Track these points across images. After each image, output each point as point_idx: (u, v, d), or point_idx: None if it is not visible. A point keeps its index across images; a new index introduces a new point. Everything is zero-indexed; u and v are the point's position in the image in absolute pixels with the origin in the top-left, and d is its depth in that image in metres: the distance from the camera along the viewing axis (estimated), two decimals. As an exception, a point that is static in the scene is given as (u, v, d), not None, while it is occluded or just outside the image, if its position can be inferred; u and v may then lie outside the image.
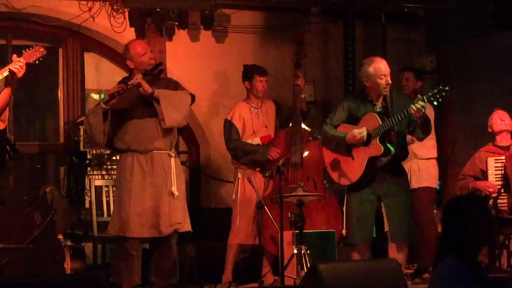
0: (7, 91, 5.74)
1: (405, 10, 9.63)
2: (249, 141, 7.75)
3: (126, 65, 9.10)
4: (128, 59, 6.76)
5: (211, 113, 9.26)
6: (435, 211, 8.80)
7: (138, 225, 6.55)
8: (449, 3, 9.64)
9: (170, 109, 6.52)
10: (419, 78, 8.25)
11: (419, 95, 6.86)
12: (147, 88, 6.49)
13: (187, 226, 6.72)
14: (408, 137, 7.50)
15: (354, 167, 6.86)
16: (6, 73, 5.64)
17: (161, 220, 6.55)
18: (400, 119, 6.68)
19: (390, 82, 6.87)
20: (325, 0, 9.43)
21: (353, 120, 6.93)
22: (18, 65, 5.65)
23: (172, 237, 6.64)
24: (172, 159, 6.68)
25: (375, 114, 6.83)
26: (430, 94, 6.58)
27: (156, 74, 6.83)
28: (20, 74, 5.66)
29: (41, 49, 5.88)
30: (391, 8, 9.55)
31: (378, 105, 6.90)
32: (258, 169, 7.71)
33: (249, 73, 7.89)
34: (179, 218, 6.62)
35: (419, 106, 6.52)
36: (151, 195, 6.59)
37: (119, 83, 6.72)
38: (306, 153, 7.68)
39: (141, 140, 6.62)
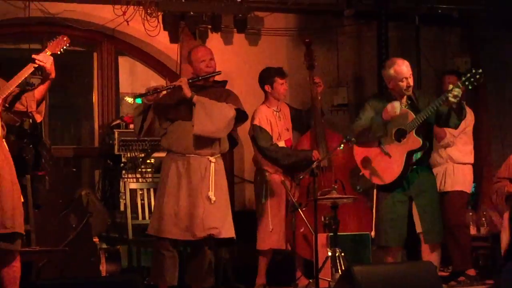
0: (43, 86, 5.78)
1: (439, 11, 9.58)
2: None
3: (160, 68, 9.24)
4: (188, 63, 6.84)
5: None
6: (470, 214, 8.77)
7: (172, 226, 6.56)
8: (483, 4, 9.58)
9: (203, 118, 6.51)
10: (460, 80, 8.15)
11: (451, 85, 6.79)
12: (186, 91, 6.53)
13: (226, 232, 6.68)
14: (445, 140, 7.48)
15: (392, 165, 6.84)
16: (31, 69, 5.65)
17: (195, 224, 6.55)
18: (435, 108, 6.67)
19: (411, 84, 6.85)
20: (358, 2, 9.39)
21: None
22: (41, 57, 5.66)
23: (206, 241, 6.63)
24: (212, 164, 6.66)
25: (407, 109, 6.81)
26: (464, 78, 6.59)
27: (217, 82, 6.84)
28: (47, 65, 5.66)
29: (65, 38, 5.87)
30: (425, 9, 9.50)
31: (404, 103, 6.89)
32: (282, 172, 7.67)
33: (269, 76, 7.78)
34: (215, 223, 6.60)
35: (456, 92, 6.51)
36: (186, 198, 6.59)
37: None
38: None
39: (181, 142, 6.64)
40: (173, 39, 9.08)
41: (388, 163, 6.86)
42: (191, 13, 8.90)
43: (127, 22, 8.92)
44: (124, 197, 8.25)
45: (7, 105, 5.69)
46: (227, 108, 6.64)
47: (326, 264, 6.74)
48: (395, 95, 6.90)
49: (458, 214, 7.92)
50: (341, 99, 9.55)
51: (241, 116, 6.80)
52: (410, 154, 6.82)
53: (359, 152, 7.02)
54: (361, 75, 9.94)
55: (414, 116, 6.74)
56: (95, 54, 9.48)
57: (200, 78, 6.71)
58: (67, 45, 5.86)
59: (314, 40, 9.41)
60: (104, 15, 8.93)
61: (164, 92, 6.65)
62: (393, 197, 6.88)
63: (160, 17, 8.94)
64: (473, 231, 8.82)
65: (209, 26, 9.14)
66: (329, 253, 6.73)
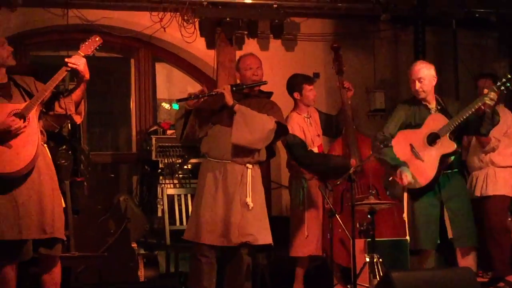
0: (79, 88, 5.84)
1: (477, 15, 9.54)
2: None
3: (197, 74, 9.27)
4: (236, 70, 6.84)
5: (283, 122, 9.24)
6: (509, 219, 8.68)
7: (208, 232, 6.54)
8: (521, 8, 9.52)
9: (242, 127, 6.46)
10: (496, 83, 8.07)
11: (486, 89, 6.77)
12: (228, 99, 6.47)
13: (263, 239, 6.62)
14: (490, 145, 7.43)
15: (425, 169, 6.81)
16: (65, 73, 5.71)
17: (231, 230, 6.51)
18: (470, 113, 6.64)
19: (417, 88, 6.84)
20: (394, 7, 9.37)
21: (411, 126, 6.91)
22: (73, 59, 5.72)
23: (243, 248, 6.61)
24: (249, 171, 6.63)
25: (440, 114, 6.80)
26: (500, 83, 6.60)
27: (263, 93, 6.85)
28: (80, 67, 5.71)
29: (97, 38, 5.87)
30: (462, 13, 9.46)
31: (433, 108, 6.87)
32: (316, 178, 7.66)
33: (297, 84, 7.75)
34: (251, 230, 6.56)
35: (492, 96, 6.52)
36: (222, 204, 6.58)
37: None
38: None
39: (218, 148, 6.61)
40: (210, 45, 9.12)
41: (421, 167, 6.83)
42: (228, 19, 8.94)
43: (164, 28, 8.98)
44: (161, 203, 8.29)
45: (44, 110, 5.76)
46: (267, 120, 6.58)
47: (364, 270, 6.71)
48: (422, 99, 6.91)
49: (500, 218, 7.84)
50: (378, 104, 9.53)
51: (281, 130, 6.73)
52: (443, 158, 6.79)
53: None
54: (397, 79, 9.90)
55: (447, 121, 6.72)
56: (132, 61, 9.56)
57: (244, 86, 6.66)
58: (100, 45, 5.87)
59: (350, 45, 9.47)
60: (142, 22, 9.00)
61: (205, 97, 6.61)
62: (425, 200, 6.86)
63: (197, 24, 9.00)
64: (511, 237, 8.75)
65: (246, 32, 9.17)
66: (367, 259, 6.70)
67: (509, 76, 6.62)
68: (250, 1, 9.08)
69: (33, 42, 9.04)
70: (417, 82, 6.85)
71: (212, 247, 6.62)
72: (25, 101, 5.65)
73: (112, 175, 9.29)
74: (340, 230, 7.11)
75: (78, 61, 5.70)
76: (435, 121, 6.79)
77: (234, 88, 6.59)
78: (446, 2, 9.50)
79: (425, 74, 6.87)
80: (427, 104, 6.89)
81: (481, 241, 7.38)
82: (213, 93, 6.53)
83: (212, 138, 6.65)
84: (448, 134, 6.74)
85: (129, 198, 8.02)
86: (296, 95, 7.74)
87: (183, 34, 8.99)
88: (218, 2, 8.97)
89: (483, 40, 10.06)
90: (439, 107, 6.89)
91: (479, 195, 7.74)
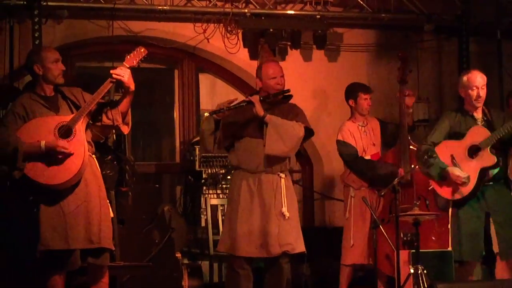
0: (126, 99, 5.91)
1: (522, 25, 9.46)
2: None
3: (240, 85, 9.29)
4: (258, 78, 6.79)
5: (327, 133, 9.20)
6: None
7: (246, 244, 6.53)
8: None
9: (275, 137, 6.48)
10: None
11: None
12: (259, 110, 6.48)
13: (299, 247, 6.64)
14: None
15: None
16: (110, 84, 5.78)
17: (270, 241, 6.51)
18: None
19: (481, 95, 6.80)
20: (438, 17, 9.33)
21: (456, 136, 6.88)
22: (117, 71, 5.78)
23: (282, 258, 6.60)
24: (282, 180, 6.62)
25: (483, 126, 6.77)
26: None
27: (284, 98, 6.85)
28: (125, 78, 5.77)
29: (142, 50, 5.92)
30: (507, 24, 9.38)
31: (479, 119, 6.84)
32: (367, 187, 7.66)
33: (353, 91, 7.82)
34: (289, 239, 6.57)
35: None
36: (259, 215, 6.56)
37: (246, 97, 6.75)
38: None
39: (251, 160, 6.61)
40: (253, 56, 9.15)
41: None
42: (271, 30, 8.97)
43: (208, 39, 9.03)
44: (205, 213, 8.32)
45: (90, 121, 5.82)
46: (298, 127, 6.60)
47: (409, 282, 6.67)
48: (470, 109, 6.86)
49: None
50: (422, 115, 9.48)
51: (307, 132, 6.74)
52: (483, 171, 6.75)
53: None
54: (441, 90, 9.85)
55: (490, 134, 6.69)
56: (176, 72, 9.62)
57: (271, 96, 6.66)
58: (145, 56, 5.92)
59: (393, 55, 9.39)
60: (185, 33, 9.06)
61: (236, 108, 6.57)
62: (469, 212, 6.81)
63: (240, 35, 9.03)
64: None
65: (289, 43, 9.18)
66: (411, 270, 6.66)
67: None
68: (293, 12, 9.09)
69: (79, 53, 9.13)
70: (478, 89, 6.81)
71: (249, 259, 6.61)
72: (72, 113, 5.72)
73: (157, 186, 9.34)
74: (382, 241, 7.08)
75: (123, 73, 5.76)
76: (478, 134, 6.77)
77: (261, 98, 6.58)
78: (491, 12, 9.42)
79: (485, 82, 6.87)
80: (475, 114, 6.85)
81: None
82: (243, 104, 6.52)
83: (242, 150, 6.65)
84: (489, 147, 6.71)
85: (173, 208, 8.06)
86: (351, 102, 7.80)
87: (227, 45, 9.03)
88: (261, 13, 9.00)
89: (528, 50, 9.97)
90: (485, 118, 6.85)
91: None
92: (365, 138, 7.76)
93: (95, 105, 5.76)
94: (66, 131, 5.63)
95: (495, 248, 6.80)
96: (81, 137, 5.66)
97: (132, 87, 5.85)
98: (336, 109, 9.10)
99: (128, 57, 5.90)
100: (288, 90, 6.79)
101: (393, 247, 6.74)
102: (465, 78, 6.87)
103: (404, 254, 6.82)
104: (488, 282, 6.32)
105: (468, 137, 6.80)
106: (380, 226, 6.92)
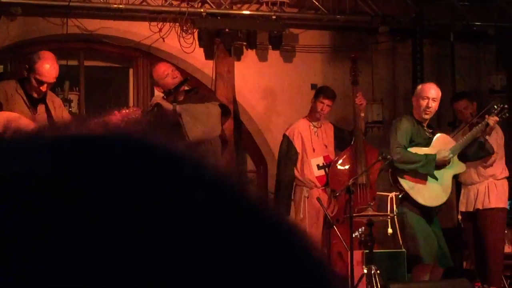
0: None
1: (474, 28, 9.58)
2: (313, 159, 7.73)
3: (195, 84, 9.21)
4: (155, 85, 6.77)
5: (282, 133, 9.21)
6: (506, 232, 8.72)
7: None
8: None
9: (192, 122, 6.42)
10: (473, 100, 8.08)
11: (486, 116, 6.97)
12: (166, 105, 6.41)
13: None
14: (492, 158, 7.52)
15: (440, 190, 6.91)
16: None
17: None
18: (476, 134, 6.93)
19: (430, 106, 6.96)
20: (393, 19, 9.41)
21: (411, 144, 6.98)
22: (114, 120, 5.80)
23: None
24: None
25: (446, 135, 6.91)
26: (496, 110, 6.97)
27: (189, 90, 6.84)
28: None
29: (138, 112, 6.04)
30: (460, 26, 9.49)
31: (427, 131, 7.00)
32: (323, 187, 7.69)
33: (318, 91, 7.95)
34: None
35: (494, 120, 6.92)
36: None
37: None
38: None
39: None
40: (209, 55, 9.14)
41: (435, 187, 6.93)
42: (227, 30, 8.97)
43: (163, 39, 9.00)
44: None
45: None
46: (211, 106, 6.59)
47: (362, 282, 6.72)
48: (417, 118, 6.99)
49: (501, 230, 7.92)
50: (376, 116, 9.54)
51: (224, 109, 6.73)
52: (454, 177, 6.95)
53: (408, 178, 7.01)
54: (395, 91, 9.94)
55: (455, 142, 6.94)
56: (131, 70, 9.57)
57: (172, 91, 6.62)
58: (136, 116, 5.94)
59: (348, 57, 9.47)
60: (141, 32, 9.02)
61: (131, 118, 6.42)
62: (422, 217, 6.94)
63: (196, 34, 9.01)
64: (507, 249, 8.77)
65: (244, 43, 9.18)
66: (365, 271, 6.70)
67: (501, 105, 7.04)
68: (249, 13, 9.11)
69: (33, 51, 8.99)
70: (430, 101, 6.94)
71: None
72: (48, 117, 5.73)
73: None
74: (336, 241, 7.12)
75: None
76: (443, 142, 6.95)
77: (164, 97, 6.53)
78: (444, 15, 9.53)
79: (438, 96, 7.01)
80: (424, 125, 7.02)
81: (478, 253, 7.51)
82: (150, 108, 6.41)
83: None
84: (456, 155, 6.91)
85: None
86: (312, 100, 7.84)
87: (182, 45, 9.01)
88: (217, 13, 9.00)
89: (481, 53, 10.09)
90: (430, 131, 7.02)
91: (481, 207, 7.76)
92: (315, 138, 7.79)
93: None
94: None
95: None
96: None
97: None
98: (286, 109, 9.14)
99: (127, 110, 5.99)
100: (187, 79, 6.76)
101: (347, 248, 6.79)
102: (420, 87, 7.09)
103: (357, 255, 6.87)
104: (438, 282, 6.39)
105: (434, 145, 6.94)
106: (334, 227, 6.97)
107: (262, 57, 9.45)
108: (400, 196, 6.96)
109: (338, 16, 9.32)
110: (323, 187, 7.70)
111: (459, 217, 7.99)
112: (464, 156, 7.10)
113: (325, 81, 9.13)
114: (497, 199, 7.83)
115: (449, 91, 9.53)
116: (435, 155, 6.87)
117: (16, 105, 5.66)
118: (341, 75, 9.45)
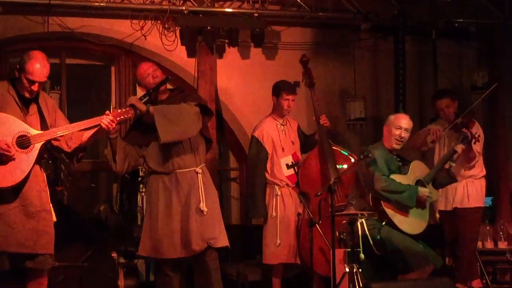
0: (94, 133, 5.90)
1: (456, 25, 9.59)
2: (282, 159, 7.70)
3: (177, 82, 9.22)
4: (138, 86, 6.76)
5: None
6: (487, 228, 8.78)
7: (170, 246, 6.47)
8: (501, 18, 9.58)
9: (164, 123, 6.33)
10: (455, 98, 8.11)
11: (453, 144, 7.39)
12: (140, 106, 6.31)
13: (222, 242, 6.59)
14: (475, 159, 7.63)
15: (419, 219, 7.01)
16: (98, 127, 5.85)
17: (192, 238, 6.44)
18: (446, 160, 7.23)
19: (403, 136, 7.10)
20: (375, 16, 9.41)
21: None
22: (106, 120, 5.81)
23: (207, 254, 6.54)
24: (200, 176, 6.57)
25: (421, 162, 7.21)
26: (461, 138, 7.39)
27: (173, 89, 6.81)
28: (107, 130, 5.91)
29: (131, 112, 6.01)
30: (442, 23, 9.50)
31: (396, 159, 7.07)
32: (293, 185, 7.68)
33: (277, 89, 7.82)
34: (212, 234, 6.52)
35: (461, 147, 7.31)
36: (179, 215, 6.49)
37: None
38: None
39: (163, 161, 6.54)
40: (191, 53, 9.11)
41: (415, 218, 6.99)
42: (208, 27, 8.94)
43: (145, 36, 8.97)
44: (141, 211, 8.27)
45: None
46: (187, 106, 6.47)
47: (344, 280, 6.72)
48: (387, 146, 7.05)
49: (476, 228, 7.99)
50: (358, 113, 9.55)
51: (206, 111, 6.65)
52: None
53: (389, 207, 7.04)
54: (378, 88, 9.95)
55: (429, 170, 7.15)
56: (113, 68, 9.55)
57: (151, 91, 6.54)
58: (129, 117, 6.06)
59: (330, 54, 9.52)
60: (122, 29, 8.99)
61: (125, 118, 6.21)
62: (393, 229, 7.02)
63: (178, 32, 8.99)
64: (490, 245, 8.84)
65: (226, 41, 9.16)
66: (347, 269, 6.71)
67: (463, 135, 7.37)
68: (231, 10, 9.09)
69: (14, 49, 8.99)
70: (403, 131, 7.04)
71: (177, 261, 6.55)
72: (39, 121, 5.70)
73: (93, 185, 9.24)
74: (318, 240, 7.12)
75: (111, 124, 5.84)
76: (419, 169, 7.11)
77: (142, 97, 6.48)
78: (426, 12, 9.54)
79: (410, 127, 7.10)
80: (392, 152, 7.09)
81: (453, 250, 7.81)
82: (124, 109, 6.19)
83: (155, 154, 6.56)
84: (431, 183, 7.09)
85: (109, 208, 7.98)
86: (273, 99, 7.81)
87: (164, 42, 8.99)
88: (199, 11, 8.97)
89: (463, 50, 10.12)
90: (399, 159, 7.11)
91: (459, 206, 7.83)
92: (283, 136, 7.76)
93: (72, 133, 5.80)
94: (24, 143, 5.61)
95: None
96: (34, 155, 5.66)
97: (109, 135, 6.12)
98: (268, 107, 9.12)
99: (118, 111, 5.94)
100: (168, 78, 6.70)
101: (329, 246, 6.78)
102: (393, 116, 7.20)
103: (339, 253, 6.87)
104: (420, 281, 6.40)
105: (411, 172, 7.03)
106: (317, 225, 6.97)
107: (244, 55, 9.45)
108: (384, 224, 6.96)
109: (320, 14, 9.30)
110: (294, 185, 7.68)
111: (437, 215, 8.02)
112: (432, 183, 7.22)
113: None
114: (475, 198, 7.88)
115: (431, 88, 9.58)
116: (417, 187, 6.96)
117: (8, 105, 5.67)
118: (323, 73, 9.48)
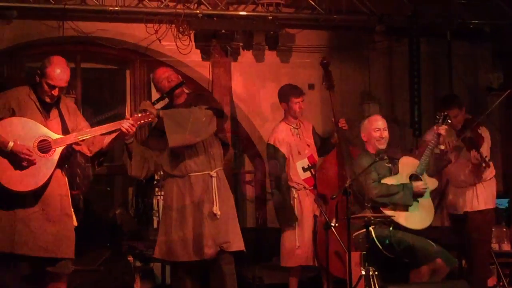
0: (114, 137, 5.93)
1: (471, 26, 9.56)
2: (298, 162, 7.70)
3: (192, 85, 9.23)
4: (156, 91, 6.79)
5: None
6: (504, 229, 8.75)
7: (183, 249, 6.48)
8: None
9: (173, 127, 6.35)
10: (462, 105, 8.03)
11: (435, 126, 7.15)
12: (152, 111, 6.28)
13: (237, 245, 6.59)
14: (486, 168, 7.57)
15: (421, 213, 6.96)
16: (119, 131, 5.88)
17: (204, 242, 6.46)
18: (433, 147, 7.07)
19: (384, 136, 7.05)
20: (389, 18, 9.39)
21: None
22: (127, 124, 5.83)
23: (222, 258, 6.54)
24: (214, 179, 6.59)
25: (409, 156, 7.12)
26: (441, 119, 7.12)
27: (191, 93, 6.84)
28: (127, 134, 5.93)
29: (151, 116, 6.04)
30: (457, 24, 9.47)
31: (385, 160, 7.02)
32: (311, 188, 7.68)
33: (284, 95, 7.83)
34: (225, 238, 6.53)
35: (443, 128, 7.08)
36: (192, 218, 6.51)
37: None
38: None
39: (177, 165, 6.57)
40: (205, 56, 9.14)
41: (416, 213, 6.97)
42: (223, 31, 8.96)
43: (160, 40, 8.99)
44: (157, 214, 8.29)
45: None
46: (197, 110, 6.48)
47: (360, 283, 6.71)
48: (371, 151, 7.03)
49: (489, 230, 7.95)
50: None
51: (217, 113, 6.61)
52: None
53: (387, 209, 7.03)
54: (392, 90, 9.93)
55: (420, 160, 6.99)
56: (128, 72, 9.58)
57: (164, 95, 6.58)
58: (150, 122, 6.08)
59: (345, 56, 9.51)
60: (137, 33, 9.02)
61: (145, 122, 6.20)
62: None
63: (192, 35, 9.00)
64: (506, 247, 8.80)
65: (241, 44, 9.17)
66: (363, 272, 6.69)
67: (440, 115, 7.11)
68: (245, 13, 9.10)
69: (29, 54, 9.04)
70: (381, 131, 7.04)
71: (192, 264, 6.55)
72: (60, 125, 5.72)
73: (109, 189, 9.26)
74: (334, 242, 7.12)
75: (131, 128, 5.85)
76: (408, 164, 7.02)
77: (154, 101, 6.48)
78: (440, 13, 9.52)
79: (386, 125, 7.12)
80: (381, 156, 7.07)
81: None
82: (144, 114, 6.11)
83: (169, 157, 6.59)
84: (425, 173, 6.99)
85: (125, 211, 8.00)
86: (283, 105, 7.82)
87: (179, 46, 9.00)
88: (213, 14, 8.98)
89: (478, 51, 10.09)
90: (386, 159, 7.07)
91: (470, 210, 7.75)
92: (298, 140, 7.77)
93: (93, 137, 5.84)
94: (45, 147, 5.63)
95: None
96: (55, 160, 5.67)
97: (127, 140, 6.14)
98: (283, 110, 9.13)
99: (139, 115, 5.96)
100: (182, 82, 6.71)
101: (345, 249, 6.77)
102: (365, 121, 7.19)
103: (355, 256, 6.85)
104: (437, 284, 6.38)
105: (402, 169, 6.99)
106: (333, 228, 6.96)
107: (259, 58, 9.46)
108: (391, 228, 6.94)
109: (334, 16, 9.30)
110: (312, 188, 7.69)
111: (447, 218, 8.01)
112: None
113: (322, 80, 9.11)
114: (485, 201, 7.81)
115: (447, 89, 9.56)
116: (411, 184, 6.91)
117: (29, 110, 5.71)
118: (338, 75, 9.43)
